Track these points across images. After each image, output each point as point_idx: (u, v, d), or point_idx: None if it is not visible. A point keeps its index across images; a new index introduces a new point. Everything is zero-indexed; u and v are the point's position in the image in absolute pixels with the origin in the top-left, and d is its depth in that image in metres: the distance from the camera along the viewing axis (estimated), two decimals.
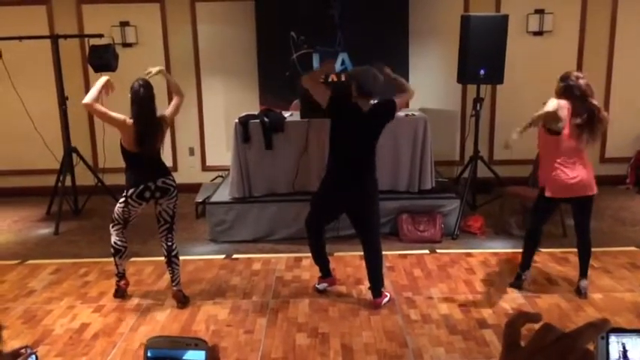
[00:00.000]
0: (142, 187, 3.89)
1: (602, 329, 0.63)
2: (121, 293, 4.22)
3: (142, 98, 3.83)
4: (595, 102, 3.83)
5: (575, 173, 3.85)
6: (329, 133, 3.97)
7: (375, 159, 3.97)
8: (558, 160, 3.87)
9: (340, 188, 3.96)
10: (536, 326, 0.66)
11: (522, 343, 0.66)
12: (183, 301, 4.09)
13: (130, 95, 3.85)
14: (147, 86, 3.86)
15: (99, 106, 3.88)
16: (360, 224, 4.06)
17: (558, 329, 0.64)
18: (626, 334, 0.64)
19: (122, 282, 4.21)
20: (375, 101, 4.01)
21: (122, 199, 3.99)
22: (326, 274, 4.28)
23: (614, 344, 0.64)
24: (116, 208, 4.05)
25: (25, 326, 3.84)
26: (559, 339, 0.62)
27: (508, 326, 0.68)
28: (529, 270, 4.29)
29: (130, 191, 3.92)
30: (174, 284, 4.10)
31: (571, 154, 3.85)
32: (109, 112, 3.88)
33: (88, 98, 3.86)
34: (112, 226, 4.08)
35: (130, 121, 3.85)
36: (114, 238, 4.07)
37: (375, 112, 3.94)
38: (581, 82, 3.85)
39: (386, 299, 4.05)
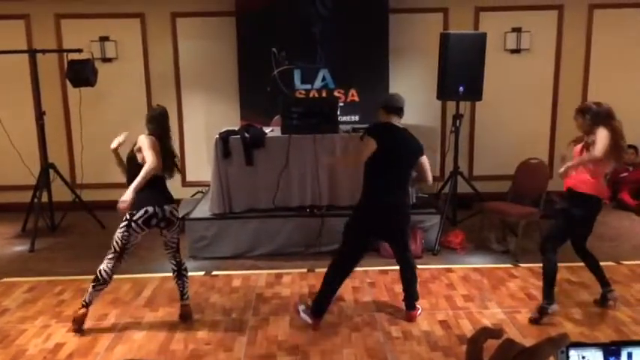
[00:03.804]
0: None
1: (562, 344, 0.64)
2: (77, 323, 3.86)
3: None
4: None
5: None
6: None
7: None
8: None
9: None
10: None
11: (484, 359, 0.66)
12: (188, 318, 4.08)
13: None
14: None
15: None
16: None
17: (519, 344, 0.65)
18: (585, 348, 0.65)
19: (81, 310, 3.86)
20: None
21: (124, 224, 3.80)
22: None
23: (574, 358, 0.65)
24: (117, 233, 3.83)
25: None
26: (520, 354, 0.63)
27: (470, 342, 0.68)
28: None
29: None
30: (183, 298, 4.11)
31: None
32: None
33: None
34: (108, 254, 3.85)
35: None
36: (103, 266, 3.83)
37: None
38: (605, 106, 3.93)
39: (419, 312, 4.11)
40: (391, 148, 3.91)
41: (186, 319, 4.06)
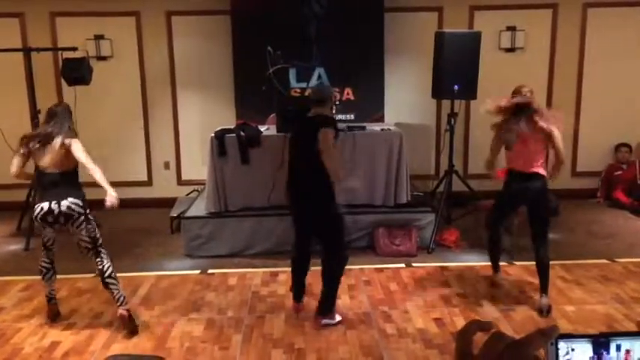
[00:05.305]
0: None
1: (552, 336, 0.65)
2: (51, 316, 4.03)
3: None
4: None
5: None
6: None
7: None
8: None
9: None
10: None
11: (474, 352, 0.67)
12: (129, 326, 3.82)
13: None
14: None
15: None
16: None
17: (509, 337, 0.65)
18: (574, 340, 0.66)
19: (49, 305, 4.01)
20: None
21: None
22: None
23: (564, 350, 0.66)
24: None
25: None
26: (510, 346, 0.64)
27: (460, 335, 0.69)
28: None
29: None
30: (118, 304, 3.82)
31: None
32: None
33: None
34: None
35: None
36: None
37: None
38: None
39: (327, 321, 3.91)
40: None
41: (126, 326, 3.83)
